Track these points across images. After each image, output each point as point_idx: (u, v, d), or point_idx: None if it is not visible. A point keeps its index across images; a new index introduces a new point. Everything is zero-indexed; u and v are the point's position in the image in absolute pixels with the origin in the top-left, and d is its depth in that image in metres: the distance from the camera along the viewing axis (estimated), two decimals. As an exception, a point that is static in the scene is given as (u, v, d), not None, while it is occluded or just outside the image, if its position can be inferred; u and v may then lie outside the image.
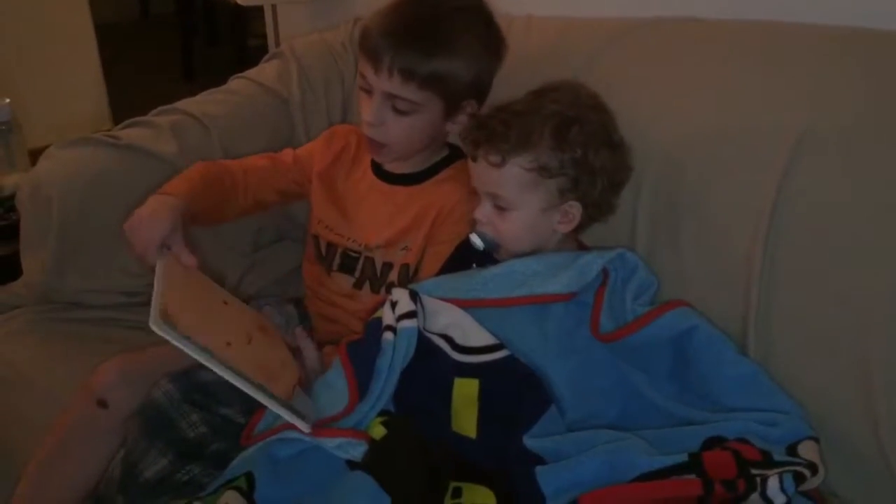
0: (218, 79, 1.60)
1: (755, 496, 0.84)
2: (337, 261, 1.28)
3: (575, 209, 1.08)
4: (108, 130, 1.44)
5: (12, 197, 1.44)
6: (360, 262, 1.26)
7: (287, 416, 0.94)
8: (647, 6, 1.30)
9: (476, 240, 1.12)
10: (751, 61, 1.11)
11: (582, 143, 1.05)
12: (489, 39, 1.18)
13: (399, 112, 1.14)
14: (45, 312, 1.36)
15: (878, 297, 0.94)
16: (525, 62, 1.32)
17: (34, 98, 2.16)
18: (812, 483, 0.87)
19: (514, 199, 1.08)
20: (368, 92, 1.16)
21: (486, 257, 1.13)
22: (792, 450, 0.91)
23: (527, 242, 1.10)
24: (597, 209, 1.10)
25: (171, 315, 0.91)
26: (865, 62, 1.03)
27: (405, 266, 1.23)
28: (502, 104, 1.11)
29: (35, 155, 1.61)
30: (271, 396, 0.94)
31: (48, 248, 1.30)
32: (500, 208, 1.09)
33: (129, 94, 3.03)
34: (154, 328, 0.89)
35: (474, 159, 1.10)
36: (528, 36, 1.37)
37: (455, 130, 1.20)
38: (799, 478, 0.85)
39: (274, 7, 2.03)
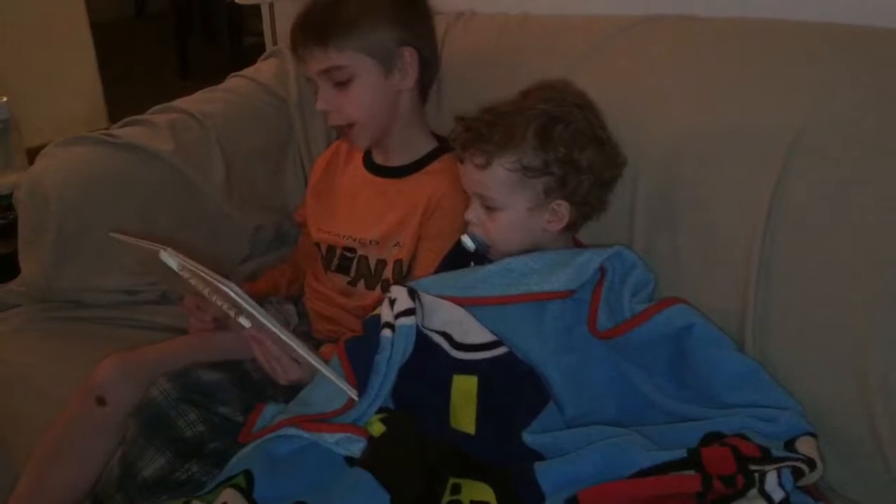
0: (214, 77, 1.60)
1: (753, 492, 0.84)
2: (335, 263, 1.29)
3: (563, 208, 1.08)
4: (106, 129, 1.44)
5: (10, 196, 1.44)
6: (355, 261, 1.27)
7: (344, 387, 0.98)
8: (643, 4, 1.30)
9: (467, 241, 1.12)
10: (749, 59, 1.11)
11: (566, 142, 1.05)
12: None
13: (340, 85, 1.17)
14: (44, 311, 1.36)
15: (875, 293, 0.94)
16: (521, 60, 1.33)
17: (30, 96, 2.16)
18: (810, 478, 0.88)
19: (501, 199, 1.08)
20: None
21: (483, 257, 1.14)
22: (790, 445, 0.91)
23: (517, 242, 1.10)
24: (587, 207, 1.10)
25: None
26: (863, 60, 1.03)
27: (398, 262, 1.23)
28: (489, 105, 1.11)
29: (31, 153, 1.62)
30: (330, 370, 0.99)
31: (46, 246, 1.30)
32: (490, 209, 1.09)
33: (125, 92, 3.02)
34: (243, 303, 0.92)
35: (461, 161, 1.11)
36: (524, 34, 1.37)
37: (408, 84, 1.22)
38: (797, 473, 0.85)
39: (271, 5, 2.02)
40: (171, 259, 0.95)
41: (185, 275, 0.96)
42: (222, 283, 0.94)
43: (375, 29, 1.16)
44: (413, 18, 1.21)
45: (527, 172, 1.05)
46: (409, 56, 1.20)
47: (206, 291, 0.97)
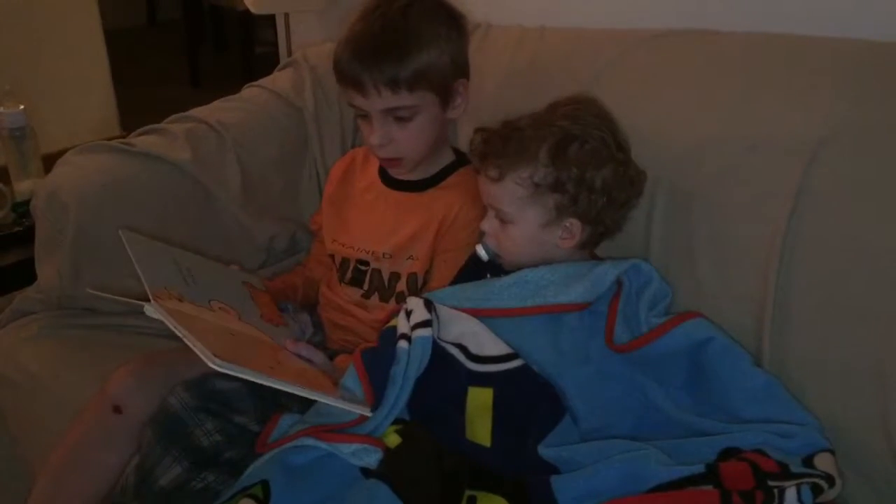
0: (224, 86, 1.61)
1: (772, 507, 0.84)
2: (349, 275, 1.29)
3: (575, 227, 1.08)
4: (120, 136, 1.44)
5: (27, 203, 1.45)
6: (368, 274, 1.27)
7: (351, 408, 0.97)
8: (660, 18, 1.30)
9: (481, 251, 1.13)
10: (766, 72, 1.12)
11: (580, 162, 1.05)
12: (448, 19, 1.19)
13: (402, 120, 1.16)
14: (60, 318, 1.36)
15: (894, 309, 0.94)
16: (538, 73, 1.33)
17: (44, 103, 2.16)
18: (829, 495, 0.88)
19: (513, 213, 1.08)
20: (365, 116, 1.17)
21: (500, 268, 1.14)
22: (808, 461, 0.91)
23: (527, 256, 1.10)
24: (601, 227, 1.10)
25: (219, 355, 0.90)
26: (884, 73, 1.04)
27: (413, 275, 1.24)
28: (510, 119, 1.12)
29: (45, 160, 1.62)
30: (332, 397, 0.97)
31: (63, 253, 1.31)
32: (503, 221, 1.10)
33: (136, 100, 3.03)
34: (218, 368, 0.88)
35: (478, 172, 1.12)
36: (540, 46, 1.38)
37: (457, 114, 1.22)
38: (816, 490, 0.86)
39: (286, 15, 2.03)
40: (156, 313, 0.95)
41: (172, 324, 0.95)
42: (198, 349, 0.91)
43: (442, 66, 1.15)
44: (465, 48, 1.21)
45: (538, 189, 1.06)
46: (462, 88, 1.20)
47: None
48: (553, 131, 1.07)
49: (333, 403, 0.97)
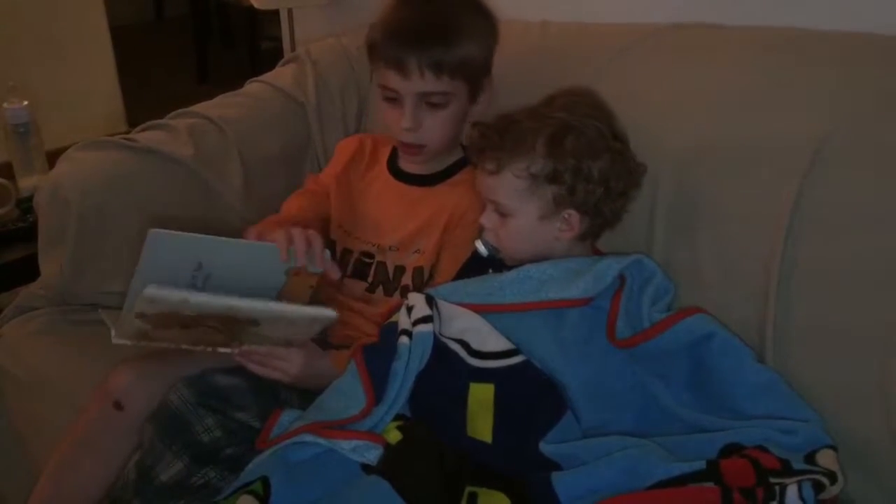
0: (231, 81, 1.61)
1: (774, 504, 0.83)
2: (350, 268, 1.29)
3: (574, 218, 1.08)
4: (126, 133, 1.45)
5: (31, 198, 1.45)
6: (373, 267, 1.27)
7: (315, 311, 1.01)
8: (663, 12, 1.30)
9: (480, 246, 1.13)
10: (770, 67, 1.11)
11: (576, 152, 1.05)
12: (485, 17, 1.21)
13: (434, 106, 1.16)
14: (63, 314, 1.36)
15: (897, 303, 0.93)
16: (540, 67, 1.33)
17: (50, 100, 2.17)
18: (831, 492, 0.87)
19: (511, 206, 1.08)
20: (394, 100, 1.17)
21: (502, 263, 1.14)
22: (810, 458, 0.90)
23: (527, 250, 1.10)
24: (599, 218, 1.09)
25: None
26: (886, 69, 1.03)
27: (418, 269, 1.23)
28: (507, 112, 1.12)
29: (50, 156, 1.63)
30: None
31: (66, 249, 1.31)
32: (502, 215, 1.10)
33: (143, 96, 3.04)
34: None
35: (475, 166, 1.12)
36: (544, 41, 1.38)
37: (480, 110, 1.22)
38: (818, 487, 0.85)
39: (290, 10, 2.03)
40: (122, 341, 0.99)
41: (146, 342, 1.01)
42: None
43: (479, 60, 1.17)
44: (494, 48, 1.22)
45: (535, 180, 1.06)
46: (488, 84, 1.21)
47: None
48: (550, 123, 1.07)
49: (303, 309, 1.00)
